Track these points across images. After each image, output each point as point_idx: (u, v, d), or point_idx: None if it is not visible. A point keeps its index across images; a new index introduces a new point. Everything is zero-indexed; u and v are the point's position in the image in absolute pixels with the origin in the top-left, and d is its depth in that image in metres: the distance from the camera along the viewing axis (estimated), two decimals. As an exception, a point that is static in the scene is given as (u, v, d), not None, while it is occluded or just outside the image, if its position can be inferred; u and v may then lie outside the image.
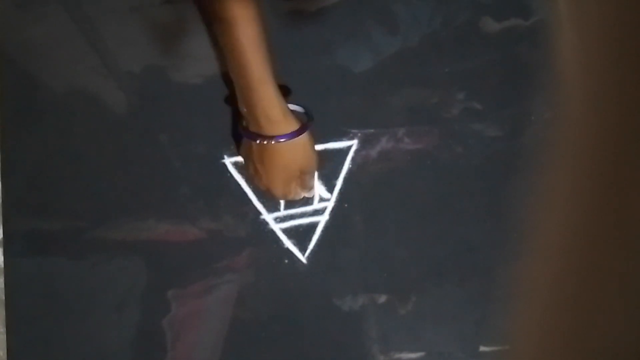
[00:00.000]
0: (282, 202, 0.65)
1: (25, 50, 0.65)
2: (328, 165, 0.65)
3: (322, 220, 0.65)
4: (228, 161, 0.65)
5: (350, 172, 0.65)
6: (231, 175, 0.65)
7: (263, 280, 0.64)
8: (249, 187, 0.65)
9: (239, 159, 0.64)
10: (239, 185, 0.65)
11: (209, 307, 0.64)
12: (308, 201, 0.65)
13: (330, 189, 0.65)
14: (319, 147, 0.64)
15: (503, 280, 0.59)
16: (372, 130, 0.65)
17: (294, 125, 0.58)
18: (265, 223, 0.65)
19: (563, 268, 0.21)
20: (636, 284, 0.19)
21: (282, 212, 0.65)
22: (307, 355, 0.64)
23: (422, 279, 0.65)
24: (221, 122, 0.65)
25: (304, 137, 0.59)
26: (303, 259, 0.65)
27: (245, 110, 0.58)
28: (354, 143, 0.65)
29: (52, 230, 0.64)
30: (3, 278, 0.64)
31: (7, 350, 0.63)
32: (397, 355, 0.64)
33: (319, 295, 0.64)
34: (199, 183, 0.64)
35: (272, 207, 0.65)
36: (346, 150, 0.65)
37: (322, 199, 0.65)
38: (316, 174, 0.64)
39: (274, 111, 0.57)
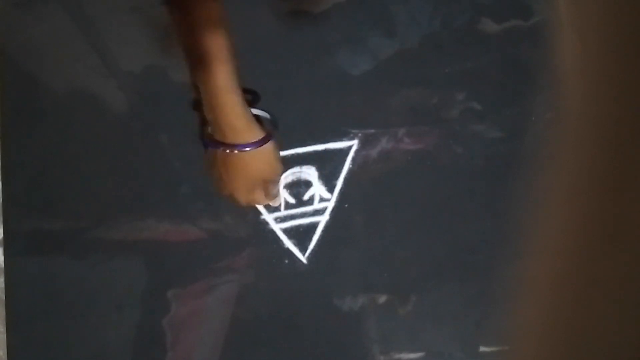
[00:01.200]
0: (282, 202, 0.65)
1: (26, 50, 0.65)
2: (328, 165, 0.65)
3: (323, 220, 0.65)
4: (228, 161, 0.65)
5: (350, 172, 0.65)
6: (231, 175, 0.65)
7: (263, 280, 0.64)
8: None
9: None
10: (239, 185, 0.65)
11: (209, 307, 0.64)
12: (308, 202, 0.65)
13: (330, 189, 0.65)
14: (319, 147, 0.64)
15: (503, 280, 0.59)
16: (372, 131, 0.65)
17: (257, 135, 0.57)
18: (266, 223, 0.65)
19: (563, 268, 0.21)
20: (636, 284, 0.19)
21: (283, 212, 0.65)
22: (307, 355, 0.64)
23: (422, 279, 0.65)
24: (221, 122, 0.65)
25: (268, 147, 0.58)
26: (303, 259, 0.65)
27: (210, 117, 0.57)
28: (354, 143, 0.65)
29: (52, 229, 0.64)
30: (3, 277, 0.64)
31: (7, 349, 0.63)
32: (397, 355, 0.64)
33: (319, 295, 0.64)
34: (199, 183, 0.65)
35: (273, 207, 0.65)
36: (346, 151, 0.65)
37: (322, 199, 0.65)
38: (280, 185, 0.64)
39: (238, 121, 0.56)
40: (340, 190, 0.65)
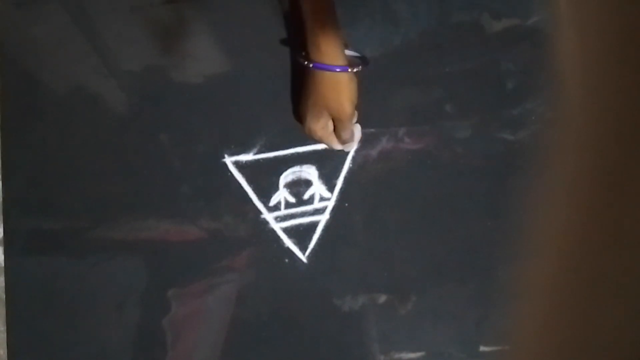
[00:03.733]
0: (282, 202, 0.65)
1: (25, 50, 0.65)
2: (329, 164, 0.65)
3: (323, 219, 0.65)
4: (228, 161, 0.65)
5: (350, 171, 0.65)
6: (231, 175, 0.65)
7: (263, 280, 0.64)
8: (249, 186, 0.65)
9: (239, 158, 0.64)
10: (239, 184, 0.65)
11: (209, 307, 0.64)
12: (308, 201, 0.65)
13: (330, 189, 0.65)
14: (320, 146, 0.64)
15: (503, 280, 0.60)
16: (372, 130, 0.65)
17: (335, 60, 0.57)
18: (266, 222, 0.65)
19: (563, 268, 0.21)
20: (636, 284, 0.19)
21: (283, 212, 0.65)
22: (307, 355, 0.64)
23: (422, 279, 0.65)
24: (221, 122, 0.65)
25: (341, 78, 0.58)
26: (303, 258, 0.65)
27: (304, 29, 0.58)
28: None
29: (52, 229, 0.64)
30: (3, 277, 0.64)
31: (8, 348, 0.63)
32: (397, 355, 0.64)
33: (319, 294, 0.64)
34: (199, 183, 0.65)
35: (273, 206, 0.65)
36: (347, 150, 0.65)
37: (322, 199, 0.65)
38: (358, 133, 0.63)
39: (322, 40, 0.56)
40: (341, 189, 0.65)
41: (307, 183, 0.65)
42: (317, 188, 0.65)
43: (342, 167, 0.65)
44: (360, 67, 0.60)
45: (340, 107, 0.59)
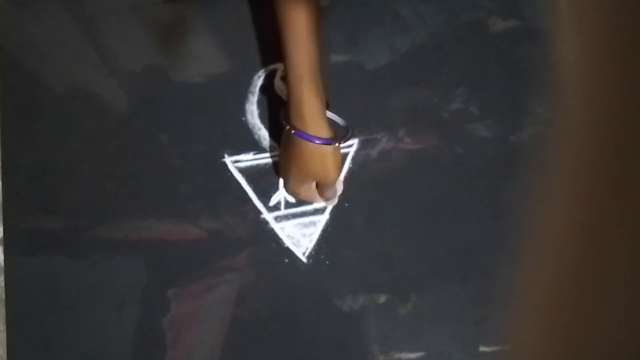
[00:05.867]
0: (282, 202, 0.65)
1: (25, 50, 0.65)
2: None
3: (323, 219, 0.65)
4: (228, 160, 0.65)
5: (350, 171, 0.65)
6: (231, 175, 0.65)
7: (263, 280, 0.64)
8: (249, 186, 0.65)
9: (239, 158, 0.65)
10: (239, 184, 0.65)
11: (209, 307, 0.64)
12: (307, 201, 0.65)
13: (330, 189, 0.65)
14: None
15: (503, 280, 0.59)
16: (372, 130, 0.65)
17: (320, 132, 0.56)
18: (265, 222, 0.65)
19: (563, 268, 0.21)
20: (636, 284, 0.19)
21: (282, 212, 0.65)
22: (307, 355, 0.64)
23: (422, 279, 0.65)
24: (221, 122, 0.65)
25: (326, 149, 0.57)
26: (303, 258, 0.65)
27: (288, 97, 0.57)
28: (354, 143, 0.65)
29: (52, 229, 0.64)
30: (3, 276, 0.64)
31: (7, 348, 0.63)
32: (397, 355, 0.64)
33: (319, 294, 0.64)
34: (199, 183, 0.65)
35: (273, 206, 0.65)
36: (346, 150, 0.65)
37: (322, 199, 0.65)
38: (340, 188, 0.63)
39: (306, 109, 0.56)
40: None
41: (307, 183, 0.65)
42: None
43: (342, 168, 0.65)
44: (345, 139, 0.60)
45: (325, 175, 0.59)
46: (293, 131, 0.56)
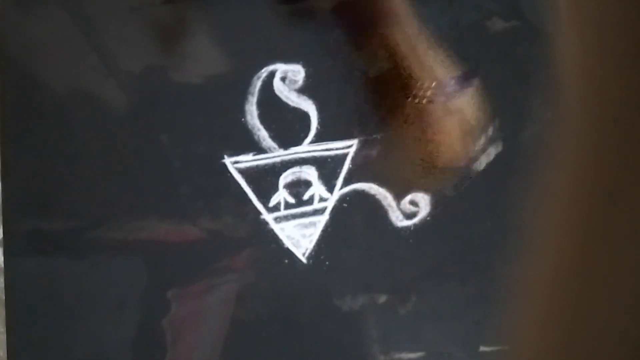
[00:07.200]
0: (282, 202, 0.65)
1: (25, 50, 0.65)
2: (328, 165, 0.65)
3: (322, 220, 0.65)
4: (228, 161, 0.65)
5: (350, 172, 0.65)
6: (231, 175, 0.65)
7: (263, 280, 0.64)
8: (249, 186, 0.65)
9: (239, 158, 0.64)
10: (239, 185, 0.65)
11: (209, 307, 0.64)
12: (308, 201, 0.65)
13: (330, 189, 0.65)
14: (319, 147, 0.64)
15: (503, 280, 0.59)
16: (372, 130, 0.65)
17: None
18: (265, 223, 0.65)
19: (563, 268, 0.21)
20: (636, 283, 0.19)
21: (282, 212, 0.65)
22: (307, 355, 0.64)
23: (422, 279, 0.65)
24: (221, 122, 0.65)
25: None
26: (303, 258, 0.65)
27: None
28: (354, 143, 0.65)
29: (52, 229, 0.64)
30: (3, 277, 0.64)
31: (7, 349, 0.63)
32: (397, 355, 0.64)
33: (318, 295, 0.64)
34: (199, 183, 0.64)
35: (272, 207, 0.65)
36: (347, 150, 0.65)
37: (322, 199, 0.65)
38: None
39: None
40: (340, 190, 0.65)
41: (307, 184, 0.65)
42: (317, 189, 0.65)
43: (341, 168, 0.65)
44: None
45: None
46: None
